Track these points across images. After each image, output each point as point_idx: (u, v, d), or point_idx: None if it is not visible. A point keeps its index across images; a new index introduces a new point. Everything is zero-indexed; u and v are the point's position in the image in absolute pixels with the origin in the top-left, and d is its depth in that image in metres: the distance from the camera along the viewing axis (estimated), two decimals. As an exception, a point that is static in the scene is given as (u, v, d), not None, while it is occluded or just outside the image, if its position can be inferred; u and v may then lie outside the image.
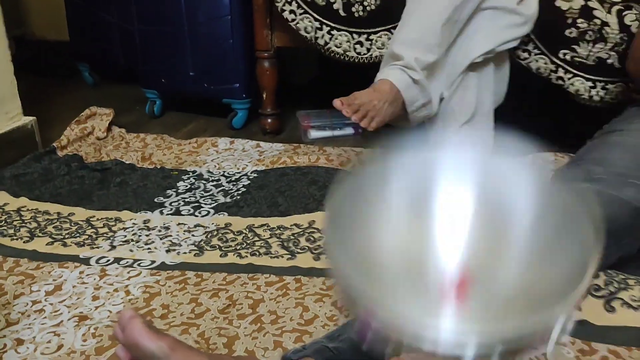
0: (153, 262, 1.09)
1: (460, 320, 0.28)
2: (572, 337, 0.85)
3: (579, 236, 0.30)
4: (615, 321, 0.88)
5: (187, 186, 1.42)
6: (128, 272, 1.06)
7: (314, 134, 1.75)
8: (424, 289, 0.30)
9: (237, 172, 1.49)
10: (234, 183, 1.43)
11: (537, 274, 0.30)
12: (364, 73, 1.51)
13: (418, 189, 0.33)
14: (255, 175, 1.47)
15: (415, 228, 0.32)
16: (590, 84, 1.36)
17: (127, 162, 1.56)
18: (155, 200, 1.35)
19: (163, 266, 1.08)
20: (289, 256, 1.09)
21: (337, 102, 1.16)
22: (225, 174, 1.49)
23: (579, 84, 1.37)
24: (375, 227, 0.32)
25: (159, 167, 1.54)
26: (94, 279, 1.04)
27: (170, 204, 1.33)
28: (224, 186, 1.42)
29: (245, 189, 1.39)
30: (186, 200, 1.35)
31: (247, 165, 1.53)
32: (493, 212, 0.32)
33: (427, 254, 0.31)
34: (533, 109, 1.91)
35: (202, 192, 1.39)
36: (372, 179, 0.33)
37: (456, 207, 0.32)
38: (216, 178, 1.46)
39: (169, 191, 1.40)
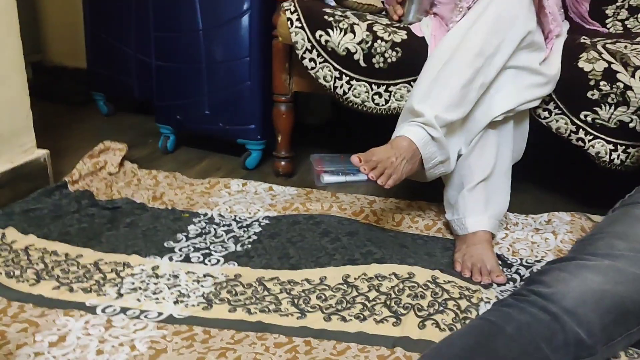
0: (160, 313, 1.07)
1: None
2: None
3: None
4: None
5: (197, 230, 1.41)
6: (134, 325, 1.04)
7: (327, 178, 1.74)
8: None
9: (249, 217, 1.47)
10: (245, 229, 1.41)
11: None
12: (378, 118, 1.51)
13: None
14: (267, 222, 1.45)
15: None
16: (611, 146, 1.34)
17: (137, 202, 1.54)
18: (165, 244, 1.33)
19: (170, 319, 1.06)
20: (299, 315, 1.07)
21: (354, 159, 1.14)
22: (237, 218, 1.47)
23: (599, 147, 1.35)
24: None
25: (170, 207, 1.53)
26: (99, 330, 1.02)
27: (180, 250, 1.31)
28: (234, 232, 1.40)
29: (256, 237, 1.37)
30: (196, 246, 1.33)
31: (259, 210, 1.51)
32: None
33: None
34: (551, 168, 1.89)
35: (213, 238, 1.37)
36: None
37: None
38: (227, 223, 1.45)
39: (179, 235, 1.38)
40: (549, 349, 0.80)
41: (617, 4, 1.66)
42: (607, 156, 1.35)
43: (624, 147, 1.34)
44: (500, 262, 1.26)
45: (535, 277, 0.93)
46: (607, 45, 1.36)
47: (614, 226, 0.99)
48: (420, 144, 1.20)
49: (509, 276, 1.22)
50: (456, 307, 1.07)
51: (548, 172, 1.85)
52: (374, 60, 1.44)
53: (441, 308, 1.06)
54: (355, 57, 1.44)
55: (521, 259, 1.29)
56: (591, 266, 0.89)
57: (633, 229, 0.96)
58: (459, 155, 1.32)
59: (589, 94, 1.32)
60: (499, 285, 1.18)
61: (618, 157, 1.35)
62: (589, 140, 1.36)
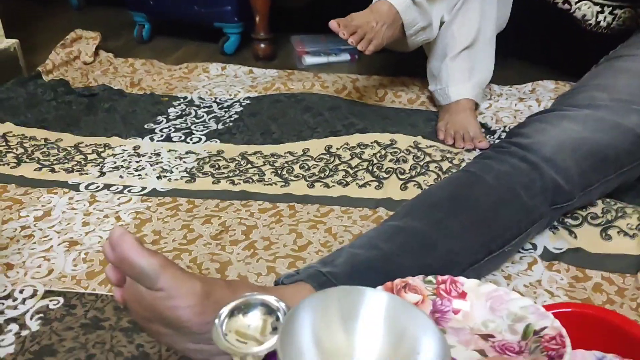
0: (144, 188, 1.07)
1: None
2: (567, 264, 0.85)
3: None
4: (611, 249, 0.87)
5: (177, 112, 1.39)
6: (118, 199, 1.04)
7: (309, 60, 1.70)
8: None
9: (229, 99, 1.45)
10: (226, 110, 1.39)
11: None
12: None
13: (347, 316, 0.46)
14: (248, 102, 1.43)
15: (344, 344, 0.45)
16: (597, 8, 1.30)
17: (115, 88, 1.51)
18: (145, 126, 1.32)
19: (154, 192, 1.06)
20: (283, 183, 1.07)
21: (333, 24, 1.10)
22: (217, 100, 1.45)
23: (585, 9, 1.31)
24: (315, 341, 0.44)
25: (148, 93, 1.50)
26: (84, 205, 1.02)
27: (161, 131, 1.30)
28: (215, 113, 1.38)
29: (237, 116, 1.35)
30: (177, 126, 1.31)
31: (239, 92, 1.48)
32: (392, 337, 0.45)
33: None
34: (536, 41, 1.85)
35: (194, 119, 1.35)
36: (314, 305, 0.45)
37: (370, 332, 0.45)
38: (208, 104, 1.42)
39: (159, 117, 1.36)
40: (527, 196, 0.81)
41: None
42: (594, 18, 1.32)
43: (610, 8, 1.30)
44: (483, 130, 1.25)
45: (515, 129, 0.92)
46: None
47: (596, 79, 0.98)
48: (400, 8, 1.16)
49: (492, 142, 1.22)
50: (438, 168, 1.07)
51: (532, 45, 1.82)
52: None
53: (423, 170, 1.07)
54: None
55: (504, 126, 1.29)
56: (571, 116, 0.89)
57: (615, 80, 0.95)
58: (442, 23, 1.28)
59: (575, -47, 1.27)
60: (481, 150, 1.19)
61: (604, 19, 1.31)
62: (575, 3, 1.31)
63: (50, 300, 0.80)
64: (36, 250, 0.91)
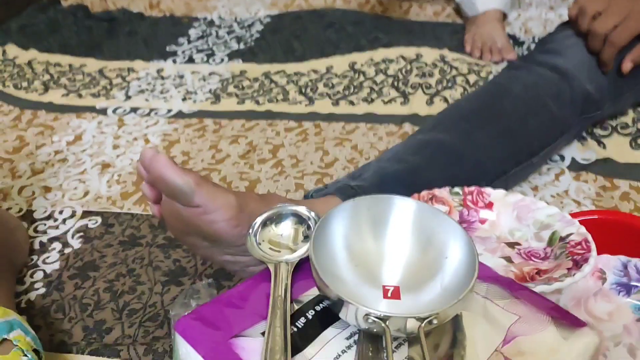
0: (170, 110, 1.08)
1: (395, 306, 0.43)
2: (595, 174, 0.84)
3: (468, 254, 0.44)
4: (640, 158, 0.86)
5: (199, 33, 1.37)
6: (146, 121, 1.06)
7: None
8: (374, 290, 0.44)
9: (250, 17, 1.43)
10: (247, 29, 1.37)
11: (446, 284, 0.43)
12: None
13: (376, 222, 0.47)
14: (269, 19, 1.40)
15: (373, 249, 0.47)
16: None
17: (134, 11, 1.49)
18: (167, 48, 1.31)
19: (180, 114, 1.07)
20: (307, 102, 1.07)
21: None
22: (238, 19, 1.42)
23: None
24: (346, 245, 0.46)
25: (168, 14, 1.48)
26: (113, 129, 1.04)
27: (183, 52, 1.29)
28: (236, 32, 1.36)
29: (259, 35, 1.33)
30: (199, 48, 1.30)
31: (259, 10, 1.46)
32: (421, 242, 0.47)
33: (376, 267, 0.46)
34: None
35: (215, 39, 1.34)
36: (344, 213, 0.46)
37: (399, 237, 0.47)
38: (228, 24, 1.40)
39: (180, 39, 1.35)
40: (556, 106, 0.80)
41: None
42: None
43: None
44: (511, 41, 1.22)
45: (546, 38, 0.90)
46: None
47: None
48: None
49: (520, 54, 1.19)
50: (465, 82, 1.06)
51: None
52: None
53: (449, 84, 1.05)
54: None
55: (534, 37, 1.25)
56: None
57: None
58: None
59: None
60: (509, 62, 1.16)
61: None
62: None
63: (89, 220, 0.83)
64: (71, 173, 0.93)
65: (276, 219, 0.50)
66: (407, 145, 0.74)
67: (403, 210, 0.46)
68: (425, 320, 0.38)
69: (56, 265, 0.75)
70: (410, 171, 0.70)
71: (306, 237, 0.49)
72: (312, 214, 0.50)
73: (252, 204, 0.55)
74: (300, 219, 0.50)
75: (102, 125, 1.05)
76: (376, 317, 0.38)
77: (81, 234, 0.81)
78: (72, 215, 0.84)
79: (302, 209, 0.50)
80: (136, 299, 0.69)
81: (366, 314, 0.38)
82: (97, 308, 0.69)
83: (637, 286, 0.60)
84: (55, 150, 0.99)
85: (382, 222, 0.46)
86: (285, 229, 0.50)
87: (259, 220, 0.50)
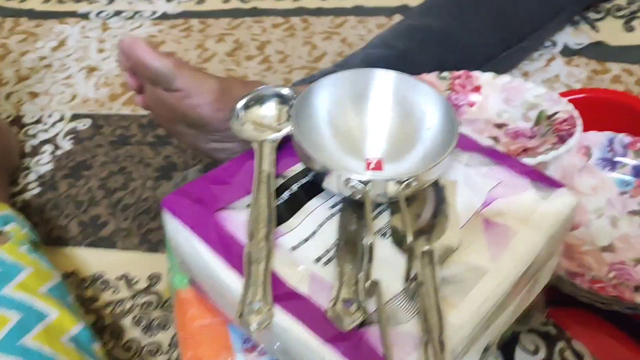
0: (154, 12, 1.05)
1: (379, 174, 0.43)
2: (587, 58, 0.83)
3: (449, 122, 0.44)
4: (634, 40, 0.85)
5: None
6: (130, 24, 1.03)
7: None
8: (357, 162, 0.44)
9: None
10: None
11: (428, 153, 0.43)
12: None
13: (357, 95, 0.47)
14: None
15: (355, 122, 0.46)
16: None
17: None
18: (148, -51, 1.26)
19: (165, 16, 1.04)
20: (294, -3, 1.04)
21: None
22: None
23: None
24: (328, 119, 0.46)
25: None
26: (97, 33, 1.02)
27: (165, -48, 1.24)
28: None
29: None
30: (181, -53, 1.25)
31: None
32: (403, 113, 0.46)
33: (359, 140, 0.46)
34: None
35: (197, -62, 1.28)
36: (325, 87, 0.46)
37: (381, 110, 0.47)
38: None
39: (161, -61, 1.29)
40: None
41: None
42: None
43: None
44: None
45: None
46: None
47: None
48: None
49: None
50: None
51: None
52: None
53: (440, -27, 1.02)
54: None
55: None
56: None
57: None
58: None
59: None
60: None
61: None
62: None
63: (79, 122, 0.83)
64: (57, 78, 0.92)
65: (259, 100, 0.50)
66: (395, 31, 0.73)
67: (384, 82, 0.46)
68: (405, 183, 0.39)
69: (49, 167, 0.76)
70: (398, 56, 0.69)
71: (290, 117, 0.49)
72: (294, 93, 0.50)
73: (236, 88, 0.55)
74: (283, 100, 0.50)
75: (86, 30, 1.03)
76: (357, 181, 0.38)
77: (72, 136, 0.81)
78: (62, 119, 0.84)
79: (284, 90, 0.50)
80: (129, 194, 0.70)
81: (347, 179, 0.39)
82: (92, 204, 0.70)
83: (621, 161, 0.61)
84: (39, 57, 0.98)
85: (364, 95, 0.46)
86: (269, 110, 0.50)
87: (242, 101, 0.49)
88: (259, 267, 0.37)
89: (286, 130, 0.47)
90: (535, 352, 0.49)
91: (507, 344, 0.49)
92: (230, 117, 0.50)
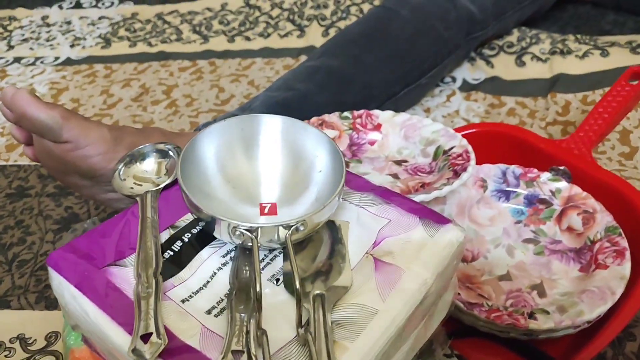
0: (57, 58, 1.03)
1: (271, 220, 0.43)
2: (484, 93, 0.87)
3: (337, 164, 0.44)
4: (525, 75, 0.90)
5: (85, -24, 1.29)
6: (31, 71, 1.00)
7: None
8: (251, 208, 0.44)
9: (140, -42, 1.35)
10: (137, -31, 1.30)
11: (319, 195, 0.44)
12: None
13: (247, 141, 0.46)
14: (160, -41, 1.34)
15: (247, 168, 0.46)
16: None
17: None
18: (51, -6, 1.23)
19: (68, 61, 1.02)
20: (202, 40, 1.04)
21: None
22: (127, -40, 1.35)
23: None
24: (217, 166, 0.45)
25: (51, -42, 1.38)
26: (-5, 80, 0.98)
27: (69, -3, 1.22)
28: (126, -26, 1.29)
29: (150, -25, 1.27)
30: (86, -9, 1.23)
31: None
32: (293, 157, 0.46)
33: (252, 186, 0.46)
34: None
35: (103, -18, 1.27)
36: (213, 135, 0.45)
37: (272, 155, 0.47)
38: (117, -35, 1.33)
39: (65, -17, 1.27)
40: (442, 27, 0.81)
41: None
42: None
43: None
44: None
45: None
46: None
47: None
48: None
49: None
50: (359, 11, 1.06)
51: None
52: None
53: (344, 15, 1.05)
54: None
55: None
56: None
57: None
58: None
59: None
60: None
61: None
62: None
63: (-28, 176, 0.79)
64: (-51, 129, 0.88)
65: (139, 157, 0.51)
66: (295, 72, 0.74)
67: (273, 126, 0.46)
68: (292, 227, 0.39)
69: (-62, 224, 0.71)
70: (299, 98, 0.70)
71: (168, 171, 0.49)
72: (170, 146, 0.51)
73: (130, 137, 0.54)
74: (163, 154, 0.51)
75: (-17, 78, 0.99)
76: (244, 229, 0.38)
77: (-36, 190, 0.76)
78: (-46, 172, 0.79)
79: (160, 145, 0.51)
80: (26, 249, 0.67)
81: (234, 227, 0.38)
82: (-15, 262, 0.66)
83: (514, 191, 0.63)
84: None
85: (253, 141, 0.46)
86: (149, 165, 0.50)
87: (121, 161, 0.50)
88: (149, 302, 0.36)
89: (167, 181, 0.47)
90: (440, 385, 0.50)
91: (412, 380, 0.50)
92: (112, 174, 0.50)
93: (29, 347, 0.58)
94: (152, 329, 0.35)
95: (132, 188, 0.48)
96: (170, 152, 0.50)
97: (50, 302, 0.60)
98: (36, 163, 0.79)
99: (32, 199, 0.74)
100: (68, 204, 0.72)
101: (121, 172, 0.49)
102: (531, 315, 0.51)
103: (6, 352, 0.57)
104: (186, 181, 0.41)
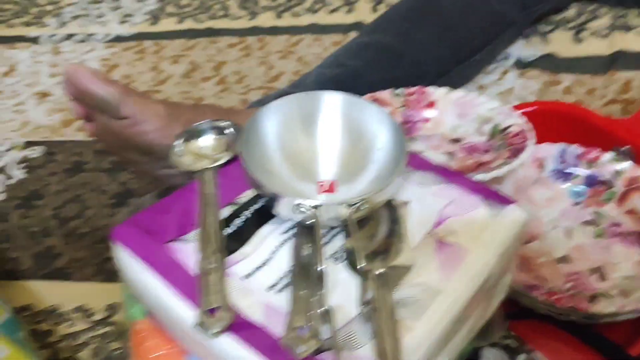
0: (107, 35, 1.04)
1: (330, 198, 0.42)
2: (539, 70, 0.85)
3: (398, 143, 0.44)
4: (583, 52, 0.87)
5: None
6: (82, 47, 1.02)
7: None
8: (309, 186, 0.43)
9: None
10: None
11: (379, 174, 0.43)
12: None
13: (307, 119, 0.46)
14: None
15: (306, 146, 0.46)
16: None
17: None
18: (101, -29, 1.24)
19: (118, 38, 1.03)
20: (250, 17, 1.04)
21: None
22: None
23: None
24: (278, 143, 0.45)
25: None
26: (48, 57, 1.00)
27: (118, -26, 1.23)
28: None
29: (197, -49, 1.27)
30: (134, -32, 1.24)
31: None
32: (353, 135, 0.46)
33: (311, 164, 0.45)
34: None
35: (151, -42, 1.27)
36: (274, 112, 0.45)
37: (331, 132, 0.46)
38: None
39: (114, -40, 1.28)
40: (495, 1, 0.79)
41: None
42: None
43: None
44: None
45: None
46: None
47: None
48: None
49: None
50: (409, -14, 1.03)
51: None
52: None
53: (393, -11, 1.03)
54: None
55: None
56: None
57: None
58: None
59: None
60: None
61: None
62: None
63: (31, 150, 0.81)
64: (7, 104, 0.90)
65: (197, 133, 0.51)
66: (347, 49, 0.73)
67: (333, 104, 0.46)
68: (354, 206, 0.38)
69: (1, 197, 0.74)
70: (351, 75, 0.69)
71: (228, 146, 0.50)
72: (229, 123, 0.51)
73: (185, 113, 0.54)
74: (220, 131, 0.51)
75: (37, 55, 1.01)
76: (307, 207, 0.38)
77: (24, 164, 0.79)
78: (13, 147, 0.82)
79: (219, 122, 0.51)
80: (84, 223, 0.69)
81: (297, 204, 0.38)
82: (45, 235, 0.68)
83: (574, 172, 0.62)
84: (-12, 84, 0.95)
85: (313, 118, 0.46)
86: (207, 142, 0.51)
87: (180, 137, 0.50)
88: (213, 277, 0.37)
89: (226, 158, 0.48)
90: (497, 366, 0.50)
91: (469, 360, 0.49)
92: (169, 150, 0.50)
93: (89, 318, 0.59)
94: (218, 303, 0.35)
95: (189, 164, 0.49)
96: (228, 129, 0.50)
97: (109, 275, 0.62)
98: (92, 139, 0.81)
99: (88, 174, 0.75)
100: (123, 179, 0.74)
101: (179, 149, 0.49)
102: (593, 299, 0.50)
103: (68, 323, 0.59)
104: (248, 157, 0.41)
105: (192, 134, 0.51)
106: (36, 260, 0.65)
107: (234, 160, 0.47)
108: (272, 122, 0.45)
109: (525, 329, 0.52)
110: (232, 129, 0.51)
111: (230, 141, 0.50)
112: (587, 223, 0.58)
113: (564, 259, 0.55)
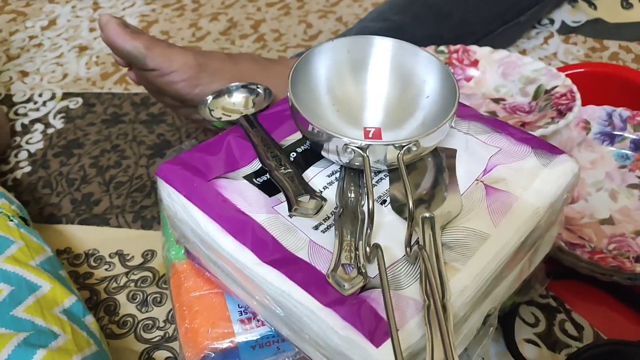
0: (146, -8, 1.04)
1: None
2: (584, 36, 0.82)
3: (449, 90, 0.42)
4: (632, 17, 0.84)
5: None
6: (122, 3, 1.02)
7: None
8: (355, 132, 0.43)
9: None
10: None
11: (427, 120, 0.43)
12: None
13: (355, 62, 0.45)
14: None
15: (354, 90, 0.45)
16: None
17: None
18: None
19: (157, -5, 1.03)
20: (289, -24, 1.02)
21: None
22: None
23: None
24: (326, 86, 0.45)
25: None
26: (88, 12, 1.00)
27: None
28: None
29: None
30: None
31: None
32: (402, 81, 0.45)
33: (357, 109, 0.45)
34: None
35: None
36: (323, 54, 0.44)
37: (380, 78, 0.46)
38: None
39: None
40: None
41: None
42: None
43: None
44: None
45: None
46: None
47: None
48: None
49: None
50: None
51: None
52: None
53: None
54: None
55: None
56: None
57: None
58: None
59: None
60: None
61: None
62: None
63: (70, 101, 0.81)
64: (48, 57, 0.91)
65: (227, 91, 0.53)
66: (392, 4, 0.72)
67: (383, 49, 0.45)
68: (404, 148, 0.38)
69: (40, 145, 0.75)
70: (395, 29, 0.68)
71: (255, 104, 0.51)
72: (259, 85, 0.53)
73: (217, 63, 0.53)
74: (250, 90, 0.53)
75: (77, 9, 1.01)
76: (356, 147, 0.38)
77: (63, 114, 0.79)
78: (52, 98, 0.83)
79: (250, 84, 0.53)
80: (122, 172, 0.69)
81: (345, 145, 0.38)
82: (84, 182, 0.69)
83: (620, 135, 0.60)
84: (29, 36, 0.96)
85: (362, 62, 0.45)
86: (237, 98, 0.53)
87: (210, 95, 0.52)
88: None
89: (253, 110, 0.50)
90: (535, 324, 0.49)
91: (507, 316, 0.49)
92: (198, 99, 0.51)
93: (127, 263, 0.60)
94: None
95: (220, 118, 0.50)
96: (259, 89, 0.52)
97: (146, 222, 0.62)
98: (129, 91, 0.81)
99: (126, 125, 0.76)
100: (160, 131, 0.74)
101: (210, 103, 0.51)
102: (637, 260, 0.49)
103: (107, 266, 0.60)
104: (295, 98, 0.41)
105: (223, 92, 0.53)
106: (75, 206, 0.66)
107: (264, 111, 0.48)
108: (320, 64, 0.44)
109: (565, 289, 0.51)
110: (262, 90, 0.53)
111: (260, 99, 0.52)
112: (633, 186, 0.57)
113: (607, 221, 0.54)
